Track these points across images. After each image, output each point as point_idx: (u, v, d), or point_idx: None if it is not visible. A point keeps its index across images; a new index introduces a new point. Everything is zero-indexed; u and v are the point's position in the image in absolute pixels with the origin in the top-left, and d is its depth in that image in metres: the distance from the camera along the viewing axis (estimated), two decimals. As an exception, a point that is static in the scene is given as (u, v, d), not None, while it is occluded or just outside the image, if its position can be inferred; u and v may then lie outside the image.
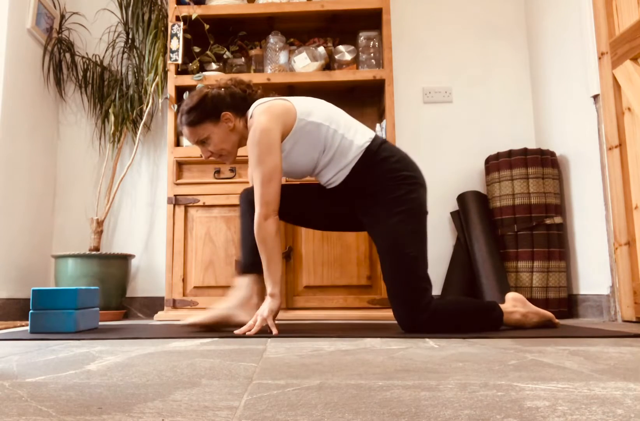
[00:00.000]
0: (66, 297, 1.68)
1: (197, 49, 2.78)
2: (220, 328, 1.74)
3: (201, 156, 1.94)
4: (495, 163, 2.74)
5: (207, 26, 2.73)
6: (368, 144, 1.76)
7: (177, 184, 2.61)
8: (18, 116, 2.73)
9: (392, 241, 1.69)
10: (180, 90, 2.73)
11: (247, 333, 1.58)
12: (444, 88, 3.10)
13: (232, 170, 2.60)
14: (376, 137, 1.80)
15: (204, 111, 1.81)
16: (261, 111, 1.74)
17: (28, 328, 1.93)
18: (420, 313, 1.63)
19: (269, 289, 1.69)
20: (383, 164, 1.75)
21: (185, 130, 1.83)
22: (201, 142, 1.83)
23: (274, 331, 1.60)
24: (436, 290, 2.80)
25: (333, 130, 1.76)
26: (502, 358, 1.05)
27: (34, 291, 1.71)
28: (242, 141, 1.89)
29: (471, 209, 2.76)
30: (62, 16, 3.11)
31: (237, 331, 1.60)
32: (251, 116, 1.78)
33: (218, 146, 1.83)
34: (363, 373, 0.88)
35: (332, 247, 2.50)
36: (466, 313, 1.68)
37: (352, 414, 0.60)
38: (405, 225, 1.70)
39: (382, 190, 1.74)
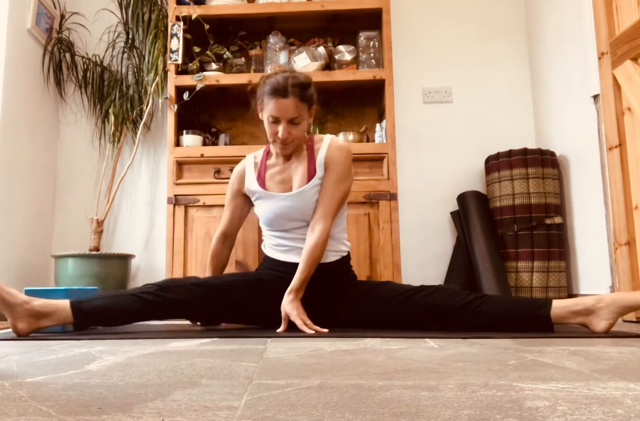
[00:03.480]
0: (56, 297, 1.68)
1: (197, 49, 2.78)
2: None
3: (276, 134, 1.72)
4: (495, 163, 2.74)
5: (207, 26, 2.73)
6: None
7: (177, 184, 2.61)
8: (18, 116, 2.73)
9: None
10: (180, 90, 2.73)
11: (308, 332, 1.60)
12: (444, 88, 3.10)
13: (232, 170, 2.60)
14: None
15: (313, 95, 1.77)
16: (346, 143, 1.87)
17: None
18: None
19: (301, 292, 1.71)
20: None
21: (290, 101, 1.68)
22: (291, 121, 1.71)
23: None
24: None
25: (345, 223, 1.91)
26: (502, 358, 1.05)
27: (26, 291, 1.73)
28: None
29: (471, 209, 2.76)
30: (62, 16, 3.11)
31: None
32: (322, 139, 1.82)
33: (299, 133, 1.75)
34: (363, 373, 0.88)
35: (332, 247, 2.50)
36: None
37: (352, 414, 0.60)
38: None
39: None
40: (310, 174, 1.79)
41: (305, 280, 1.70)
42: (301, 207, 1.76)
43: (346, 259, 1.86)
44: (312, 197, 1.77)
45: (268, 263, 1.86)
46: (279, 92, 1.69)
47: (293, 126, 1.73)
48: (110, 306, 1.62)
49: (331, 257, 1.80)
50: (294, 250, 1.79)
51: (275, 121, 1.72)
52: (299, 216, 1.77)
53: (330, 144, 1.81)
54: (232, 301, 1.74)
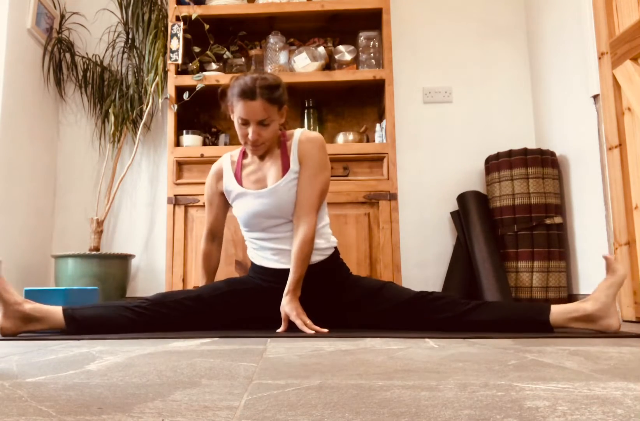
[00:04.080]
0: (56, 297, 1.68)
1: (197, 49, 2.78)
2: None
3: (247, 136, 1.72)
4: (495, 163, 2.74)
5: (207, 26, 2.73)
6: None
7: (177, 184, 2.61)
8: (18, 116, 2.73)
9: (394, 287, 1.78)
10: (180, 90, 2.73)
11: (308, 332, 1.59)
12: (444, 88, 3.10)
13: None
14: None
15: (283, 96, 1.76)
16: (317, 133, 1.84)
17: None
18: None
19: (298, 291, 1.70)
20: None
21: (258, 103, 1.68)
22: (260, 123, 1.70)
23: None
24: (436, 290, 2.80)
25: (327, 220, 1.89)
26: (502, 358, 1.05)
27: (26, 291, 1.73)
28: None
29: (471, 209, 2.76)
30: (62, 16, 3.11)
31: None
32: (292, 134, 1.83)
33: (269, 134, 1.74)
34: (363, 373, 0.88)
35: (332, 247, 2.50)
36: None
37: (352, 414, 0.60)
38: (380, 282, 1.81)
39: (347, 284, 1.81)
40: (284, 169, 1.77)
41: (300, 279, 1.69)
42: (278, 202, 1.75)
43: (335, 255, 1.85)
44: (289, 192, 1.75)
45: (256, 271, 1.83)
46: (246, 94, 1.68)
47: (263, 127, 1.72)
48: (103, 316, 1.61)
49: (319, 256, 1.78)
50: (278, 254, 1.77)
51: (245, 122, 1.72)
52: (277, 212, 1.76)
53: (300, 137, 1.79)
54: (225, 315, 1.73)
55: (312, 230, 1.71)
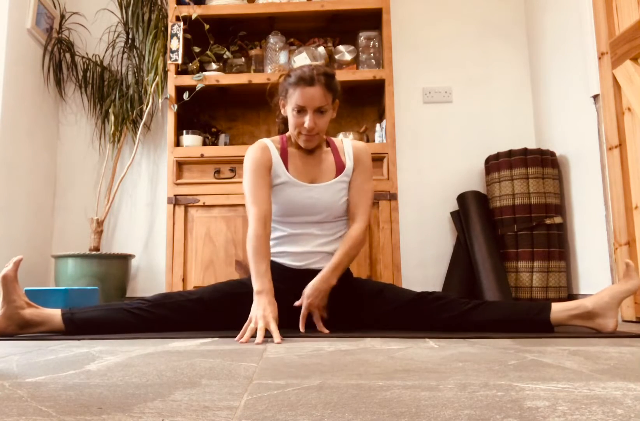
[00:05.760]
0: (56, 297, 1.68)
1: (197, 49, 2.78)
2: None
3: (302, 125, 1.68)
4: (495, 163, 2.74)
5: (207, 26, 2.73)
6: None
7: (177, 184, 2.61)
8: (18, 116, 2.73)
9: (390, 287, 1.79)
10: (180, 90, 2.73)
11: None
12: (444, 88, 3.10)
13: (232, 170, 2.60)
14: None
15: (338, 86, 1.75)
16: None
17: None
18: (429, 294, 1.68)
19: (334, 279, 1.67)
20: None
21: (317, 89, 1.65)
22: (318, 110, 1.68)
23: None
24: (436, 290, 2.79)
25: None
26: (502, 358, 1.05)
27: (26, 291, 1.74)
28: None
29: (471, 209, 2.76)
30: (62, 16, 3.11)
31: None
32: (341, 140, 1.87)
33: (324, 124, 1.73)
34: (363, 373, 0.88)
35: (332, 247, 2.50)
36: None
37: (352, 414, 0.60)
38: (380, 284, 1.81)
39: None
40: (339, 168, 1.79)
41: (339, 266, 1.66)
42: (329, 200, 1.74)
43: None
44: (338, 193, 1.75)
45: None
46: (305, 80, 1.66)
47: (319, 115, 1.69)
48: (102, 319, 1.60)
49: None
50: (292, 254, 1.74)
51: (301, 110, 1.68)
52: (323, 209, 1.74)
53: (353, 143, 1.85)
54: (226, 317, 1.70)
55: (364, 232, 1.73)
